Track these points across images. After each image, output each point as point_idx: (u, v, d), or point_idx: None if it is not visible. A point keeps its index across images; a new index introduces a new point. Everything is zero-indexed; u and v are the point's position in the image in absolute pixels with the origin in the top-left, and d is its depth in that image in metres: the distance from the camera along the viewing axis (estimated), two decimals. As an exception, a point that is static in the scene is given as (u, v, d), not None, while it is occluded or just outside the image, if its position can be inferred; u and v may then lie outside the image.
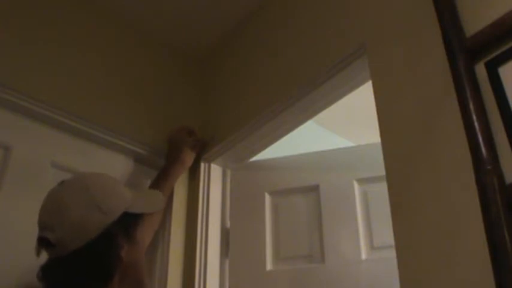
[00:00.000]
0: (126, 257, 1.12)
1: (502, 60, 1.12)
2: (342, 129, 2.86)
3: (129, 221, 1.16)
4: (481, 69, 1.16)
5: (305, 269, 1.80)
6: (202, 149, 1.95)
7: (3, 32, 1.67)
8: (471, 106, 1.12)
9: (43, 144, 1.65)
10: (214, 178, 1.97)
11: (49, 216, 1.11)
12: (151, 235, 1.63)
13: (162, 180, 1.73)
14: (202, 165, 1.97)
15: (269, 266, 1.83)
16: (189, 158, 1.86)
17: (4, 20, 1.69)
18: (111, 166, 1.80)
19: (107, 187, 1.18)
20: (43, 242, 1.09)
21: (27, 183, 1.54)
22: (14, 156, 1.56)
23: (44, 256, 1.13)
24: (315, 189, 1.90)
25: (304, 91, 1.69)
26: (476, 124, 1.10)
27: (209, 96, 2.16)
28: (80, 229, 1.08)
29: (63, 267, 1.08)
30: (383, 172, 1.31)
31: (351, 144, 2.76)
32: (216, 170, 1.99)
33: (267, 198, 1.94)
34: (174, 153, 1.83)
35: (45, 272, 1.10)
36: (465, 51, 1.18)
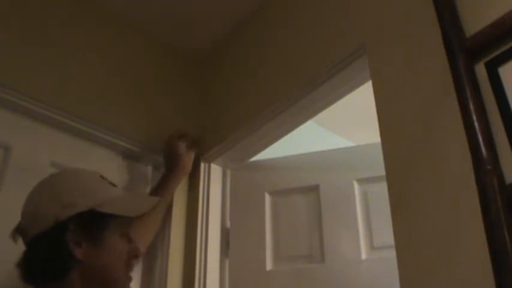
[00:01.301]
0: (87, 259, 1.07)
1: (502, 60, 1.12)
2: (342, 129, 2.86)
3: (94, 221, 1.09)
4: (481, 69, 1.16)
5: (305, 269, 1.80)
6: (198, 148, 1.94)
7: (3, 32, 1.67)
8: (471, 106, 1.12)
9: (43, 144, 1.65)
10: (214, 178, 1.97)
11: (23, 205, 1.15)
12: (143, 239, 1.57)
13: (160, 189, 1.71)
14: (202, 165, 1.97)
15: (269, 266, 1.83)
16: (187, 161, 1.84)
17: (4, 20, 1.69)
18: (111, 166, 1.80)
19: (79, 182, 1.15)
20: (16, 229, 1.14)
21: (27, 183, 1.53)
22: (14, 156, 1.56)
23: None
24: (315, 189, 1.90)
25: (304, 91, 1.69)
26: (476, 124, 1.10)
27: (209, 96, 2.16)
28: (34, 218, 1.09)
29: (27, 251, 1.11)
30: (383, 172, 1.31)
31: (351, 144, 2.76)
32: (216, 170, 1.99)
33: (267, 198, 1.94)
34: (172, 161, 1.80)
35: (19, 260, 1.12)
36: (465, 51, 1.18)
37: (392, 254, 1.22)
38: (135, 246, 1.18)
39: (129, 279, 1.16)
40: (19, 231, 1.13)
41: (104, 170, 1.77)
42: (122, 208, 1.15)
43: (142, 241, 1.56)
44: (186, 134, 1.88)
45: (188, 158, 1.85)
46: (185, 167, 1.82)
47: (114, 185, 1.22)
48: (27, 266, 1.09)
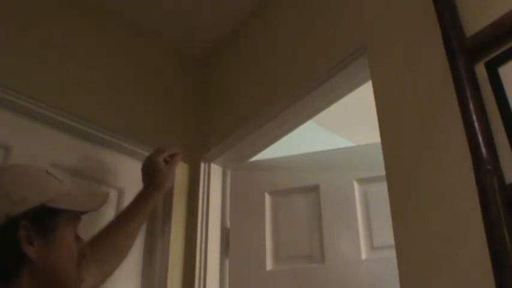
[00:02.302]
0: (39, 257, 1.00)
1: (502, 60, 1.12)
2: (342, 129, 2.86)
3: (45, 217, 1.03)
4: (481, 69, 1.16)
5: (305, 269, 1.80)
6: (178, 162, 1.74)
7: (3, 32, 1.67)
8: (471, 106, 1.12)
9: (43, 144, 1.65)
10: (214, 178, 1.97)
11: None
12: (118, 254, 1.48)
13: (134, 204, 1.59)
14: (202, 165, 1.97)
15: (269, 266, 1.83)
16: (164, 179, 1.66)
17: (4, 20, 1.69)
18: (111, 166, 1.80)
19: (27, 177, 1.07)
20: None
21: (27, 183, 1.54)
22: (14, 156, 1.56)
23: None
24: (315, 189, 1.90)
25: (304, 91, 1.69)
26: (476, 124, 1.10)
27: (209, 96, 2.16)
28: None
29: None
30: (383, 172, 1.31)
31: (351, 144, 2.76)
32: (216, 170, 1.99)
33: (267, 198, 1.94)
34: (148, 177, 1.66)
35: None
36: (465, 51, 1.18)
37: (392, 254, 1.22)
38: (84, 245, 1.12)
39: (81, 280, 1.10)
40: None
41: (104, 170, 1.79)
42: (73, 203, 1.09)
43: (118, 257, 1.47)
44: (165, 150, 1.71)
45: (165, 175, 1.66)
46: (164, 183, 1.66)
47: (60, 180, 1.14)
48: None
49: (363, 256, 1.74)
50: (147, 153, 1.81)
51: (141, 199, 1.60)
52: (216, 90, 2.14)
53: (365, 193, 1.84)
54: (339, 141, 2.79)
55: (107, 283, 1.43)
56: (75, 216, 1.10)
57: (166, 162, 1.69)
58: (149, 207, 1.61)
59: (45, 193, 1.04)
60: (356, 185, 1.85)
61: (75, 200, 1.10)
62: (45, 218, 1.03)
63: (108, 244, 1.44)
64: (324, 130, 2.82)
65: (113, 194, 1.74)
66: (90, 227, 1.46)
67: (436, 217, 1.15)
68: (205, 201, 1.90)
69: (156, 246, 1.79)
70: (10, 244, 0.99)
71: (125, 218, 1.55)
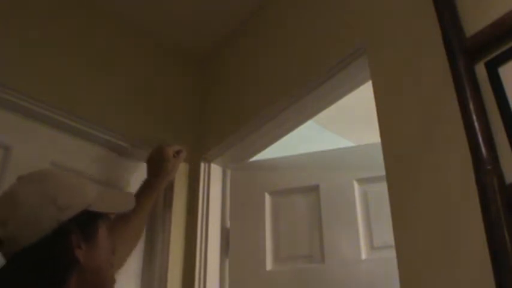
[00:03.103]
0: (85, 260, 1.03)
1: (502, 60, 1.12)
2: (342, 129, 2.86)
3: (88, 221, 1.06)
4: (481, 69, 1.16)
5: (305, 269, 1.80)
6: (182, 159, 1.83)
7: (3, 32, 1.67)
8: (471, 106, 1.12)
9: (43, 144, 1.65)
10: (214, 178, 1.97)
11: (1, 212, 1.04)
12: (129, 244, 1.55)
13: (144, 195, 1.63)
14: (202, 165, 1.97)
15: (269, 266, 1.83)
16: (172, 168, 1.75)
17: (4, 20, 1.69)
18: (111, 166, 1.80)
19: (67, 183, 1.09)
20: None
21: (27, 183, 1.54)
22: (14, 156, 1.56)
23: None
24: (315, 189, 1.90)
25: (304, 91, 1.69)
26: (476, 124, 1.10)
27: (209, 96, 2.16)
28: (32, 224, 1.00)
29: (12, 264, 1.00)
30: (383, 172, 1.31)
31: (351, 144, 2.76)
32: (216, 170, 1.99)
33: (267, 198, 1.94)
34: (156, 166, 1.72)
35: None
36: (465, 51, 1.18)
37: (392, 254, 1.22)
38: (114, 243, 1.16)
39: (115, 280, 1.13)
40: (2, 241, 1.00)
41: (104, 170, 1.79)
42: (109, 206, 1.14)
43: (124, 247, 1.50)
44: (174, 145, 1.80)
45: (175, 164, 1.77)
46: (170, 173, 1.75)
47: (89, 182, 1.20)
48: (18, 278, 0.99)
49: (363, 256, 1.74)
50: (147, 153, 1.81)
51: (148, 188, 1.66)
52: (216, 90, 2.14)
53: (365, 193, 1.84)
54: (339, 141, 2.79)
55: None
56: (107, 217, 1.14)
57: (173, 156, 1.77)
58: (155, 195, 1.68)
59: (86, 198, 1.08)
60: (356, 185, 1.85)
61: (110, 203, 1.15)
62: (89, 222, 1.07)
63: (119, 236, 1.44)
64: (324, 130, 2.81)
65: (113, 194, 1.74)
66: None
67: (436, 217, 1.15)
68: (205, 201, 1.90)
69: (156, 246, 1.79)
70: (63, 249, 1.01)
71: (134, 208, 1.58)
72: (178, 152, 1.79)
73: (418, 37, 1.35)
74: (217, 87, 2.14)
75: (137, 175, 1.81)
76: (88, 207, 1.06)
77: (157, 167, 1.72)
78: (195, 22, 2.12)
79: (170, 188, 1.89)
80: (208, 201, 1.90)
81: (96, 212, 1.08)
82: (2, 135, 1.57)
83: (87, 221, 1.06)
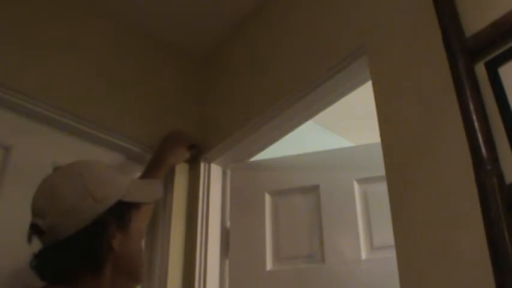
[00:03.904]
0: (119, 248, 1.09)
1: (502, 60, 1.12)
2: (342, 129, 2.86)
3: (123, 211, 1.12)
4: (481, 69, 1.16)
5: (305, 269, 1.80)
6: (196, 155, 1.94)
7: (3, 32, 1.67)
8: (471, 106, 1.12)
9: (43, 144, 1.65)
10: (214, 178, 1.97)
11: (41, 203, 1.09)
12: (148, 219, 1.62)
13: (154, 171, 1.69)
14: (202, 165, 1.97)
15: (269, 266, 1.83)
16: (181, 153, 1.85)
17: (4, 20, 1.69)
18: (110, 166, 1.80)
19: (101, 174, 1.14)
20: (34, 229, 1.07)
21: (27, 183, 1.54)
22: (14, 156, 1.56)
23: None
24: (315, 189, 1.89)
25: (304, 91, 1.69)
26: (476, 124, 1.10)
27: (209, 96, 2.16)
28: (71, 216, 1.05)
29: (53, 254, 1.06)
30: (383, 172, 1.31)
31: (351, 144, 2.76)
32: (216, 170, 1.99)
33: (267, 198, 1.94)
34: (172, 146, 1.81)
35: (37, 259, 1.07)
36: (465, 51, 1.18)
37: (392, 254, 1.22)
38: (143, 230, 1.26)
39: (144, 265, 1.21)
40: (43, 231, 1.05)
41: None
42: (141, 196, 1.19)
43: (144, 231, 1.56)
44: (194, 137, 1.93)
45: (183, 152, 1.86)
46: (179, 159, 1.84)
47: (119, 173, 1.24)
48: (59, 265, 1.06)
49: (363, 256, 1.74)
50: (147, 154, 1.82)
51: (160, 162, 1.73)
52: (215, 90, 2.14)
53: (365, 193, 1.84)
54: (339, 141, 2.79)
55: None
56: (139, 205, 1.19)
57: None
58: (165, 171, 1.75)
59: (120, 189, 1.14)
60: (356, 185, 1.85)
61: (141, 193, 1.20)
62: (123, 213, 1.13)
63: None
64: (324, 130, 2.82)
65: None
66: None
67: (436, 217, 1.15)
68: (205, 201, 1.90)
69: (156, 246, 1.79)
70: (102, 239, 1.07)
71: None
72: (192, 146, 1.88)
73: (418, 37, 1.35)
74: (217, 87, 2.14)
75: (136, 175, 1.81)
76: (122, 198, 1.12)
77: (173, 145, 1.81)
78: (195, 22, 2.12)
79: (170, 188, 1.89)
80: (208, 201, 1.90)
81: (130, 202, 1.14)
82: (2, 135, 1.57)
83: (121, 212, 1.12)
